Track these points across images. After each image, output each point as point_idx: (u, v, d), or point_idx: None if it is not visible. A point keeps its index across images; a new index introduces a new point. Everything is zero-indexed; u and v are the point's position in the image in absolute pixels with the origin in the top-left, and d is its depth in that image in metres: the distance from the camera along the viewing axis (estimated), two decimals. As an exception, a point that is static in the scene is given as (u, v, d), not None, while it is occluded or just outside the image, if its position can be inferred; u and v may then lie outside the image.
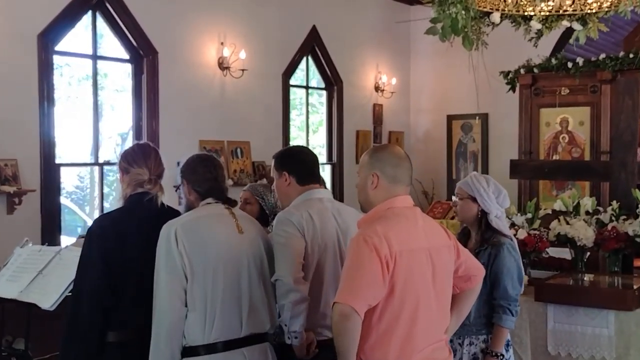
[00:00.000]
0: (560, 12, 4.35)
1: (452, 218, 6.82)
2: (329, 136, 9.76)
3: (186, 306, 2.90)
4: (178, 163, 3.22)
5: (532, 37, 4.69)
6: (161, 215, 3.06)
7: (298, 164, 3.42)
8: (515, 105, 8.41)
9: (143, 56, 7.21)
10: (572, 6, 4.30)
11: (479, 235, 3.62)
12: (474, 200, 3.61)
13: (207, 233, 2.97)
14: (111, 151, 7.47)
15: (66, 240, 6.42)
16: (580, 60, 7.78)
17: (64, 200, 7.04)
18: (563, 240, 4.71)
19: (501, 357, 3.47)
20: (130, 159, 3.16)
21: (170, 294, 2.88)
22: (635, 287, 4.16)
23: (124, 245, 2.99)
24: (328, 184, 8.15)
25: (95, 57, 6.96)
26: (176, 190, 3.28)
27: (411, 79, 10.93)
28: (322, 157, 9.46)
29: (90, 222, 6.26)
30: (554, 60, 8.00)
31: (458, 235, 3.68)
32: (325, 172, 9.50)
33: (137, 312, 2.96)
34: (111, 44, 7.18)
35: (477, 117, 9.76)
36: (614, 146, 5.47)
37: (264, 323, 3.06)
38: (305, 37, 9.05)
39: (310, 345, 3.19)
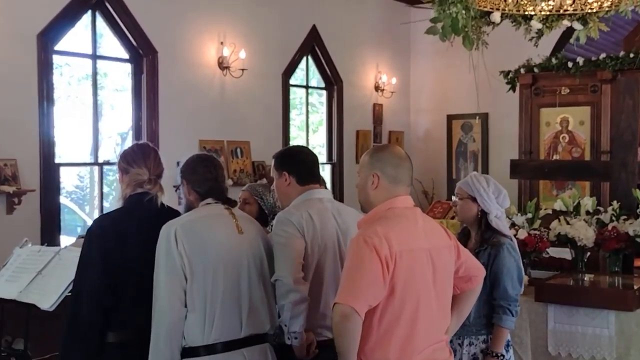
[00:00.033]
0: (561, 11, 4.35)
1: (452, 218, 6.82)
2: (329, 136, 9.75)
3: (186, 307, 2.90)
4: (178, 163, 3.22)
5: (533, 37, 4.68)
6: (161, 215, 3.05)
7: (298, 164, 3.41)
8: (516, 105, 8.40)
9: (143, 56, 7.20)
10: (573, 6, 4.30)
11: (479, 236, 3.61)
12: (474, 200, 3.60)
13: (207, 233, 2.97)
14: (111, 151, 7.47)
15: (66, 240, 6.41)
16: (580, 60, 7.78)
17: (63, 200, 7.04)
18: (563, 240, 4.70)
19: (501, 358, 3.47)
20: (129, 159, 3.15)
21: (169, 294, 2.87)
22: (635, 287, 4.16)
23: (123, 246, 2.99)
24: (328, 184, 8.14)
25: (95, 57, 6.95)
26: (176, 190, 3.28)
27: (411, 78, 10.93)
28: (322, 157, 9.46)
29: (90, 222, 6.26)
30: (554, 60, 7.99)
31: (458, 235, 3.67)
32: (325, 172, 9.50)
33: (137, 312, 2.95)
34: (111, 44, 7.17)
35: (477, 117, 9.76)
36: (615, 146, 5.47)
37: (264, 324, 3.06)
38: (305, 37, 9.05)
39: (310, 345, 3.18)
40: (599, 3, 4.28)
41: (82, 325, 2.93)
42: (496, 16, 4.46)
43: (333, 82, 9.61)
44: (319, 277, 3.25)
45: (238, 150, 8.08)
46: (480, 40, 4.59)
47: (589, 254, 4.77)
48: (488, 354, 3.47)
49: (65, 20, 6.47)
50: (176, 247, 2.88)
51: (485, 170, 9.71)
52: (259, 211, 4.26)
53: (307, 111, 9.55)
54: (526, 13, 4.45)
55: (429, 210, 7.52)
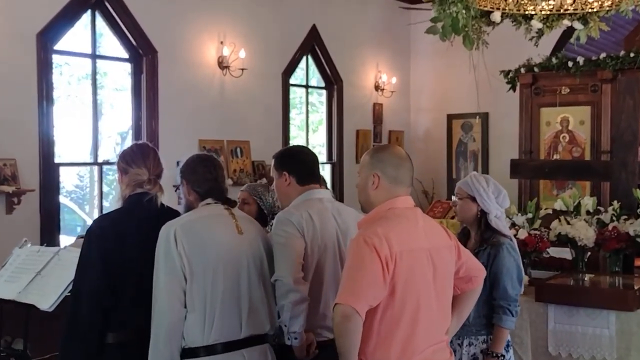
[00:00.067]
0: (561, 11, 4.34)
1: (452, 218, 6.81)
2: (328, 135, 9.75)
3: (185, 307, 2.89)
4: (178, 163, 3.21)
5: (533, 37, 4.68)
6: (161, 215, 3.05)
7: (298, 164, 3.41)
8: (516, 105, 8.39)
9: (142, 55, 7.20)
10: (573, 5, 4.29)
11: (479, 235, 3.61)
12: (474, 200, 3.60)
13: (207, 234, 2.96)
14: (111, 150, 7.46)
15: (65, 239, 6.41)
16: (580, 60, 7.77)
17: (63, 199, 7.03)
18: (564, 240, 4.70)
19: (501, 358, 3.46)
20: (129, 159, 3.14)
21: (169, 294, 2.87)
22: (636, 287, 4.15)
23: (123, 246, 2.98)
24: (328, 184, 8.14)
25: (94, 56, 6.95)
26: (176, 191, 3.27)
27: (411, 78, 10.92)
28: (322, 157, 9.45)
29: (89, 222, 6.27)
30: (554, 60, 7.98)
31: (458, 235, 3.66)
32: (325, 172, 9.49)
33: (137, 313, 2.95)
34: (110, 43, 7.17)
35: (478, 117, 9.75)
36: (615, 146, 5.47)
37: (264, 324, 3.05)
38: (305, 36, 9.04)
39: (310, 346, 3.18)
40: (600, 2, 4.27)
41: (82, 326, 2.93)
42: (496, 16, 4.45)
43: (333, 82, 9.61)
44: (319, 277, 3.25)
45: (238, 150, 8.08)
46: (481, 39, 4.59)
47: (589, 254, 4.77)
48: (488, 355, 3.47)
49: (65, 19, 6.47)
50: (176, 248, 2.88)
51: (486, 170, 9.71)
52: (258, 211, 4.25)
53: (307, 111, 9.55)
54: (526, 12, 4.44)
55: (429, 210, 7.52)
